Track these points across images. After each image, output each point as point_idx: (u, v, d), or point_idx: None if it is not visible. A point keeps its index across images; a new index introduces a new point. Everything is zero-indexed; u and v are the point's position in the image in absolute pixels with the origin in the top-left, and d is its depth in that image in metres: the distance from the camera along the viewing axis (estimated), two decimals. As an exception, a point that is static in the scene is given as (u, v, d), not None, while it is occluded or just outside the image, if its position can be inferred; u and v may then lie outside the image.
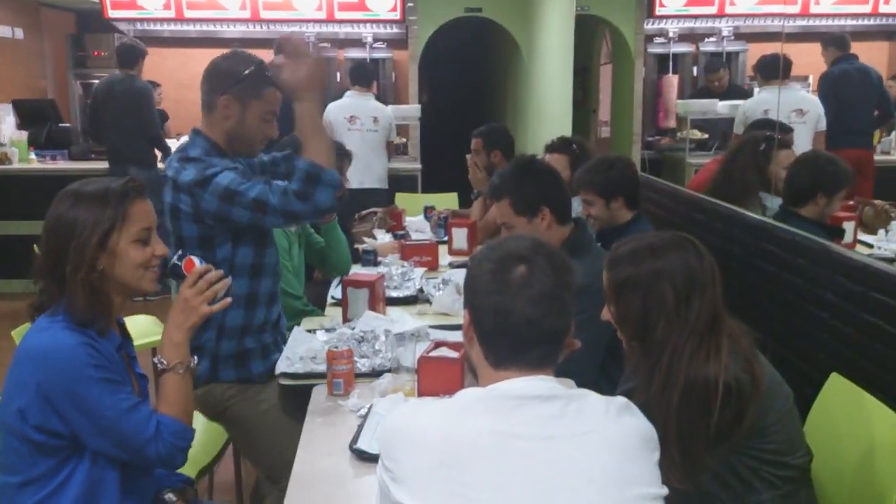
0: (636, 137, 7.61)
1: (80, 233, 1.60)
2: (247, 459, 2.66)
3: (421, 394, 2.04)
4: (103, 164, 5.94)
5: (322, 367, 2.21)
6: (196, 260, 1.79)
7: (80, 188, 1.67)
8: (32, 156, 6.26)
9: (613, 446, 1.22)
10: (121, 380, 1.63)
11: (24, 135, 6.28)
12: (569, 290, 1.30)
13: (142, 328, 3.54)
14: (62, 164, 6.21)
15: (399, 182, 6.18)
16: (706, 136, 6.70)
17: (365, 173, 5.50)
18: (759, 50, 6.75)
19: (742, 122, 4.91)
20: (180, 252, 1.84)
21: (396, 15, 7.35)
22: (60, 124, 6.60)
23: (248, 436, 2.42)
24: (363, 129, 5.61)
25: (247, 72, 2.28)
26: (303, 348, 2.43)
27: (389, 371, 2.22)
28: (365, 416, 1.94)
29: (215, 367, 2.37)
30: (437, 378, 2.02)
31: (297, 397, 2.23)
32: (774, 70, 5.08)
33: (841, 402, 2.00)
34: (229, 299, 1.80)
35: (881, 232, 3.56)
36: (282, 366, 2.32)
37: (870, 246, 3.43)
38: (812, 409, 2.07)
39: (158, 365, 1.74)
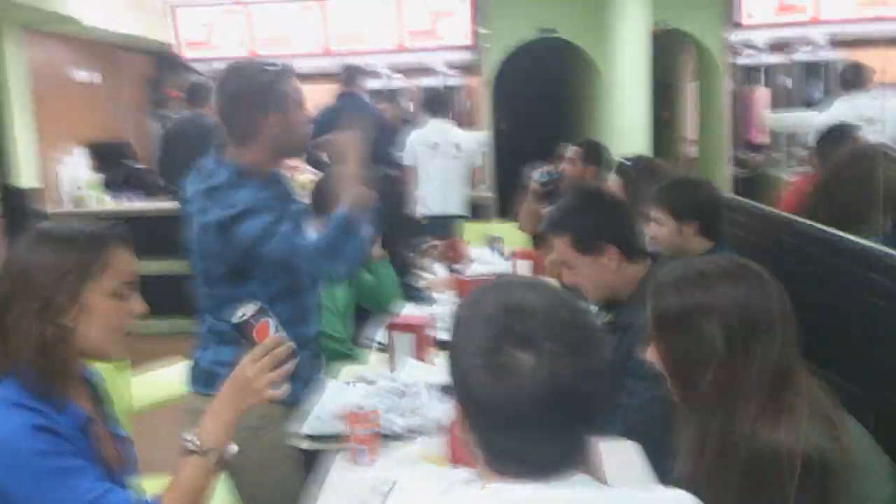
0: (725, 155, 7.17)
1: (36, 279, 1.33)
2: None
3: (454, 462, 1.76)
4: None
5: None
6: (271, 325, 1.45)
7: (48, 228, 1.41)
8: (107, 198, 6.30)
9: None
10: (81, 466, 1.32)
11: (99, 177, 6.35)
12: (596, 378, 0.95)
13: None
14: (137, 205, 6.23)
15: (475, 210, 6.02)
16: None
17: (447, 200, 5.46)
18: (861, 58, 6.23)
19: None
20: (258, 305, 1.47)
21: (468, 41, 7.17)
22: (136, 166, 6.64)
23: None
24: (446, 156, 5.49)
25: (279, 85, 2.09)
26: (336, 405, 2.19)
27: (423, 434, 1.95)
28: (387, 494, 1.66)
29: None
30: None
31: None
32: (853, 80, 4.78)
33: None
34: (288, 387, 1.47)
35: None
36: (308, 427, 2.07)
37: None
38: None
39: (189, 446, 1.40)
